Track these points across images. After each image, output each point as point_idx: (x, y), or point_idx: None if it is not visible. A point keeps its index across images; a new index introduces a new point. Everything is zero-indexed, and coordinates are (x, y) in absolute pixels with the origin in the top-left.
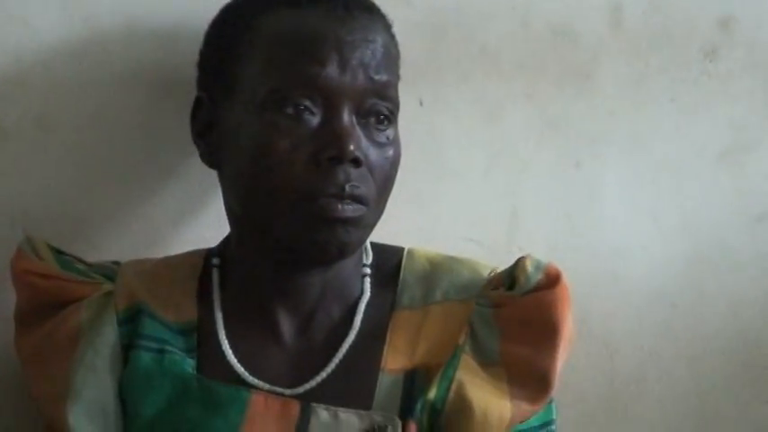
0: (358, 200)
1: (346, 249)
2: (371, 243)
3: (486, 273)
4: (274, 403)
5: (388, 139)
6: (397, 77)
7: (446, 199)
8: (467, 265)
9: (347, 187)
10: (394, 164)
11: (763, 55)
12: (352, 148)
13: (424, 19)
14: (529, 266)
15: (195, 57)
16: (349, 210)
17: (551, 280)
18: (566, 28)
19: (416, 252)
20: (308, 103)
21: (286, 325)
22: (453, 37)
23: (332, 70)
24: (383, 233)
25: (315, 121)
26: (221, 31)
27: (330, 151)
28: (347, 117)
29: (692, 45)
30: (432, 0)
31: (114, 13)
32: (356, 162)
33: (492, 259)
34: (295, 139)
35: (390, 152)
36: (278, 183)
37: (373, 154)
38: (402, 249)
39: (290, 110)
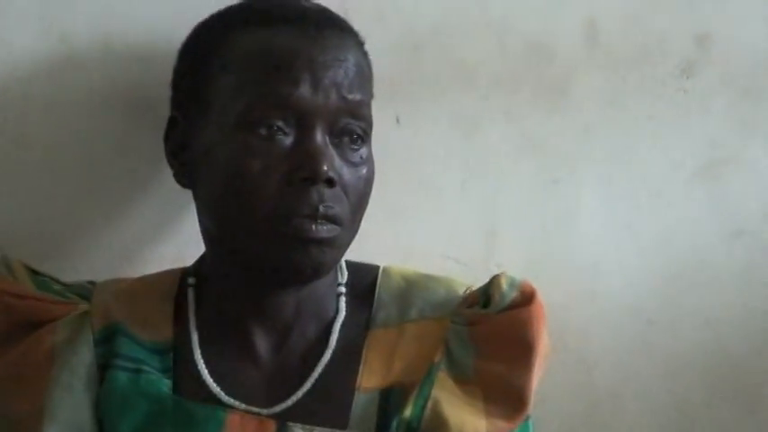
0: (332, 220)
1: (321, 269)
2: (347, 261)
3: (461, 290)
4: (250, 422)
5: (361, 158)
6: (370, 96)
7: (423, 216)
8: (442, 282)
9: (321, 208)
10: (368, 183)
11: (738, 71)
12: (325, 168)
13: (401, 36)
14: (504, 284)
15: (170, 75)
16: (323, 230)
17: (526, 297)
18: (542, 44)
19: (392, 270)
20: (280, 123)
21: (262, 344)
22: (430, 54)
23: (304, 90)
24: (360, 251)
25: (288, 141)
26: (194, 51)
27: (303, 172)
28: (320, 137)
29: (668, 61)
30: (408, 17)
31: (91, 31)
32: (330, 182)
33: (469, 276)
34: (268, 159)
35: (364, 171)
36: (251, 203)
37: (347, 173)
38: (377, 267)
39: (262, 130)
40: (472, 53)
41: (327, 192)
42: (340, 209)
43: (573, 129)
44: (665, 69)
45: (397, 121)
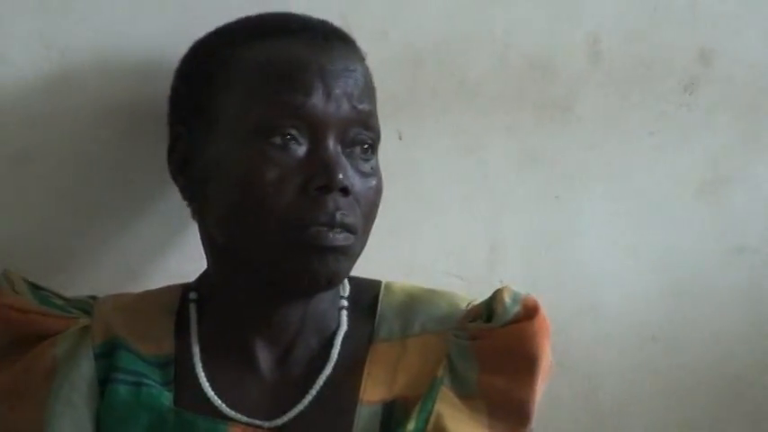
0: (347, 228)
1: (335, 279)
2: (348, 276)
3: (463, 305)
4: None
5: (372, 168)
6: (376, 108)
7: (425, 232)
8: (445, 297)
9: (337, 216)
10: (378, 193)
11: (741, 87)
12: (341, 176)
13: (403, 52)
14: (506, 298)
15: (169, 91)
16: (339, 238)
17: (529, 312)
18: (544, 61)
19: (394, 285)
20: (294, 132)
21: (264, 357)
22: (432, 70)
23: (317, 99)
24: (362, 267)
25: (301, 150)
26: (197, 66)
27: (319, 180)
28: (333, 146)
29: (671, 78)
30: (410, 33)
31: (91, 48)
32: (345, 191)
33: (472, 292)
34: (283, 168)
35: (374, 182)
36: (268, 212)
37: (358, 183)
38: (379, 282)
39: (277, 139)
40: (474, 69)
41: (342, 200)
42: (354, 218)
43: (575, 145)
44: (667, 85)
45: (400, 137)
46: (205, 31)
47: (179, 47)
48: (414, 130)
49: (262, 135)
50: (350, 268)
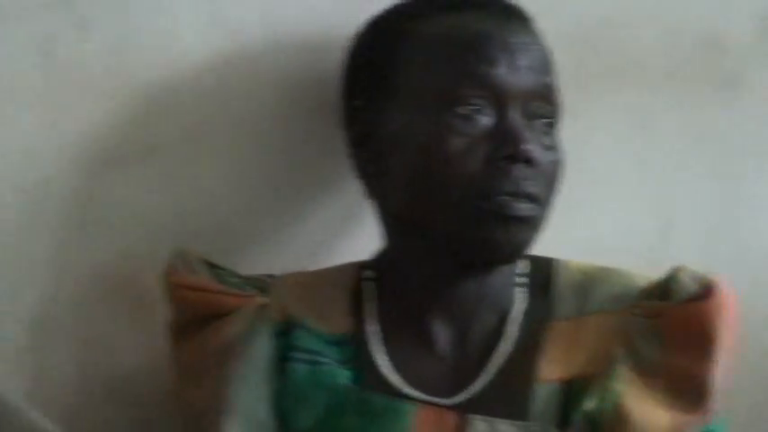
0: (532, 198)
1: (519, 249)
2: None
3: (640, 283)
4: (431, 414)
5: (553, 142)
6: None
7: (597, 210)
8: (620, 275)
9: (523, 185)
10: (560, 167)
11: None
12: (528, 147)
13: (572, 30)
14: (684, 277)
15: (340, 66)
16: (525, 208)
17: (707, 290)
18: (713, 37)
19: (568, 262)
20: (479, 101)
21: (441, 335)
22: (601, 47)
23: (502, 70)
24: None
25: (486, 120)
26: (376, 40)
27: (506, 149)
28: (518, 117)
29: None
30: (579, 11)
31: (260, 26)
32: (530, 162)
33: (645, 269)
34: (470, 138)
35: (555, 156)
36: (454, 182)
37: (541, 156)
38: (553, 260)
39: (462, 109)
40: (643, 47)
41: (527, 171)
42: (538, 188)
43: (747, 121)
44: None
45: (570, 114)
46: (375, 6)
47: (350, 21)
48: (584, 108)
49: (447, 105)
50: (533, 240)
